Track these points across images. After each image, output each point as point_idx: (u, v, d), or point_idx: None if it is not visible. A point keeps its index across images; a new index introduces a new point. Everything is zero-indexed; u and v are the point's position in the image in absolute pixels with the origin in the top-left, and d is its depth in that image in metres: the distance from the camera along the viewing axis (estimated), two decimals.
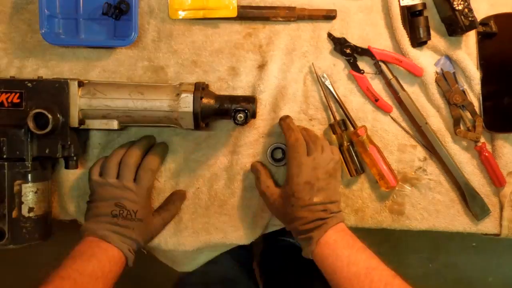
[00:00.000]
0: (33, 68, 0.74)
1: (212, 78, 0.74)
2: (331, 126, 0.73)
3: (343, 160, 0.73)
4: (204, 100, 0.66)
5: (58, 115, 0.65)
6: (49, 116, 0.63)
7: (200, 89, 0.67)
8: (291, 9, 0.73)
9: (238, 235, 0.75)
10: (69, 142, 0.66)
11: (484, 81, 0.74)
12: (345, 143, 0.72)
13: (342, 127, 0.73)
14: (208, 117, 0.68)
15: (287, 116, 0.71)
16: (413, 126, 0.75)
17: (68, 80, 0.66)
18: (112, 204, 0.67)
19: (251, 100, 0.67)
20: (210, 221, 0.75)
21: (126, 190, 0.67)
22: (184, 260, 0.80)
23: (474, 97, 0.74)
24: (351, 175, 0.73)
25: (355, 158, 0.73)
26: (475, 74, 0.73)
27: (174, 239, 0.74)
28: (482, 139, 0.74)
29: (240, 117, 0.65)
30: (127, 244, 0.66)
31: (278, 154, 0.74)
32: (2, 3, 0.74)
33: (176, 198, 0.74)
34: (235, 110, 0.66)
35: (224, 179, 0.75)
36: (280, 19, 0.74)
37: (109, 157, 0.70)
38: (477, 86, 0.74)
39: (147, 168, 0.70)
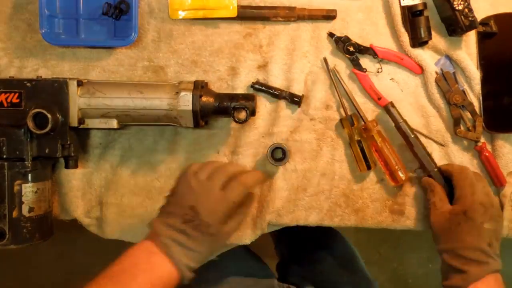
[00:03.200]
0: (33, 68, 0.74)
1: (212, 78, 0.74)
2: (342, 120, 0.73)
3: (354, 156, 0.73)
4: (204, 98, 0.67)
5: (58, 115, 0.65)
6: (49, 115, 0.63)
7: (200, 87, 0.67)
8: (291, 9, 0.73)
9: (238, 235, 0.75)
10: (68, 142, 0.66)
11: (484, 81, 0.74)
12: (356, 137, 0.72)
13: (351, 122, 0.72)
14: (208, 115, 0.68)
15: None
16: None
17: (67, 80, 0.66)
18: (187, 206, 0.59)
19: (250, 98, 0.67)
20: None
21: (208, 193, 0.59)
22: None
23: (474, 97, 0.74)
24: (361, 170, 0.73)
25: (366, 153, 0.72)
26: (475, 74, 0.73)
27: None
28: (482, 139, 0.74)
29: (240, 115, 0.66)
30: (189, 260, 0.58)
31: (278, 154, 0.74)
32: (2, 3, 0.74)
33: (247, 200, 0.66)
34: (235, 108, 0.66)
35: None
36: (280, 19, 0.74)
37: (215, 163, 0.64)
38: (477, 86, 0.74)
39: (241, 181, 0.61)
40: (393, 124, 0.74)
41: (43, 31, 0.70)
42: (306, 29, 0.75)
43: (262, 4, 0.74)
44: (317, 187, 0.74)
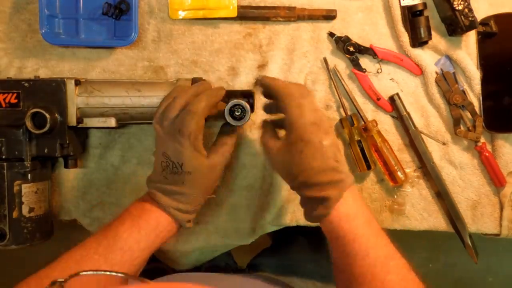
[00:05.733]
0: (33, 68, 0.74)
1: (212, 78, 0.74)
2: (342, 120, 0.74)
3: (353, 156, 0.73)
4: None
5: (56, 114, 0.65)
6: (47, 115, 0.63)
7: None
8: (291, 9, 0.73)
9: (238, 235, 0.75)
10: (67, 141, 0.66)
11: (484, 81, 0.74)
12: (356, 137, 0.72)
13: (350, 122, 0.72)
14: None
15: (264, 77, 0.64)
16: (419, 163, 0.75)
17: (65, 79, 0.66)
18: (161, 154, 0.59)
19: (249, 94, 0.67)
20: (210, 221, 0.75)
21: (171, 134, 0.58)
22: (184, 260, 0.80)
23: (474, 97, 0.74)
24: (360, 170, 0.72)
25: (366, 153, 0.72)
26: (475, 74, 0.73)
27: (174, 239, 0.74)
28: (482, 139, 0.74)
29: (238, 111, 0.65)
30: (178, 203, 0.59)
31: (238, 112, 0.65)
32: (2, 3, 0.74)
33: (230, 130, 0.65)
34: (233, 104, 0.65)
35: (224, 179, 0.75)
36: (280, 19, 0.74)
37: (172, 102, 0.60)
38: (477, 86, 0.74)
39: (188, 109, 0.58)
40: (393, 122, 0.74)
41: (43, 31, 0.70)
42: (306, 29, 0.75)
43: (262, 4, 0.74)
44: None
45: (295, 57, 0.74)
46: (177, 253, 0.76)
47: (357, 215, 0.56)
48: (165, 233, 0.60)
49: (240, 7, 0.73)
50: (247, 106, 0.64)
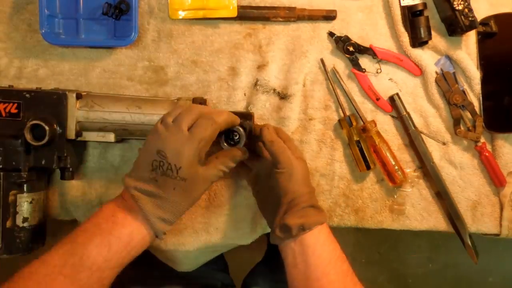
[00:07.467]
0: (33, 68, 0.74)
1: (212, 78, 0.74)
2: (340, 121, 0.74)
3: (353, 156, 0.73)
4: None
5: (55, 127, 0.65)
6: (46, 127, 0.63)
7: (198, 104, 0.67)
8: (291, 9, 0.73)
9: (238, 235, 0.75)
10: (65, 154, 0.66)
11: (484, 81, 0.74)
12: (355, 138, 0.72)
13: (349, 122, 0.72)
14: None
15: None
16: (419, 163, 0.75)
17: (66, 92, 0.65)
18: (154, 152, 0.55)
19: (247, 116, 0.66)
20: (210, 221, 0.74)
21: (175, 134, 0.55)
22: (184, 260, 0.79)
23: (474, 97, 0.74)
24: (360, 170, 0.73)
25: (365, 153, 0.72)
26: (475, 74, 0.73)
27: (174, 239, 0.74)
28: (482, 139, 0.74)
29: (236, 135, 0.64)
30: (162, 211, 0.55)
31: (235, 137, 0.65)
32: (2, 3, 0.74)
33: (233, 150, 0.63)
34: (230, 130, 0.64)
35: (224, 179, 0.75)
36: (280, 19, 0.74)
37: (184, 106, 0.60)
38: (477, 86, 0.74)
39: (208, 117, 0.57)
40: (393, 122, 0.74)
41: (43, 31, 0.70)
42: (306, 29, 0.75)
43: (262, 4, 0.74)
44: (317, 187, 0.74)
45: (294, 57, 0.74)
46: (177, 253, 0.76)
47: (330, 235, 0.61)
48: (137, 248, 0.56)
49: (240, 7, 0.73)
50: (243, 133, 0.63)
